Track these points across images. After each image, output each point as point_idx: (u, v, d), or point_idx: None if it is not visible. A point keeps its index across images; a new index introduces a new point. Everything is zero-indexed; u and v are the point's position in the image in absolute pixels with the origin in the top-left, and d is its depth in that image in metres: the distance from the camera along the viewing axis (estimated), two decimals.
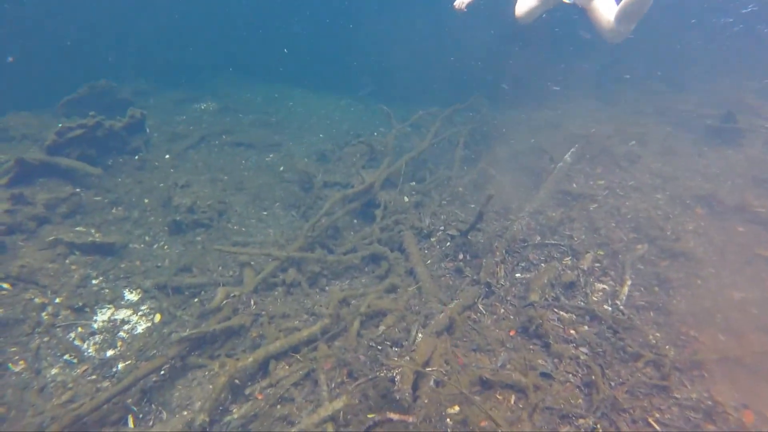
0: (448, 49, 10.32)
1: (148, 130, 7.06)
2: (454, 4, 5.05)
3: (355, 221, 5.21)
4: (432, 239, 4.51)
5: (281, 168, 6.51)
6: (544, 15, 4.92)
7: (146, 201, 5.55)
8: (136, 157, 6.02)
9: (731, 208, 4.18)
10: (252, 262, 4.42)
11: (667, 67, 8.41)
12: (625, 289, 3.55)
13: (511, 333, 3.32)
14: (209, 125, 7.83)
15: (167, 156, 6.38)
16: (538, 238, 4.24)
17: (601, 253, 3.92)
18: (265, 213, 5.56)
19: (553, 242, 4.13)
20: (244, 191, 5.84)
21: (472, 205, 5.10)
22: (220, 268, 4.59)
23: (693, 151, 5.22)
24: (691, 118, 6.09)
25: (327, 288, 4.27)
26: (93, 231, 4.94)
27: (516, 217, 4.57)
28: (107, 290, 4.33)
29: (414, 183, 5.61)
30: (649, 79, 8.40)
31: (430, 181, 5.47)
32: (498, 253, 4.03)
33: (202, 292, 4.33)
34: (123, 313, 4.14)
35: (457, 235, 4.35)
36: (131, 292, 4.41)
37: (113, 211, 5.32)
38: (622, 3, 4.02)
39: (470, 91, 10.89)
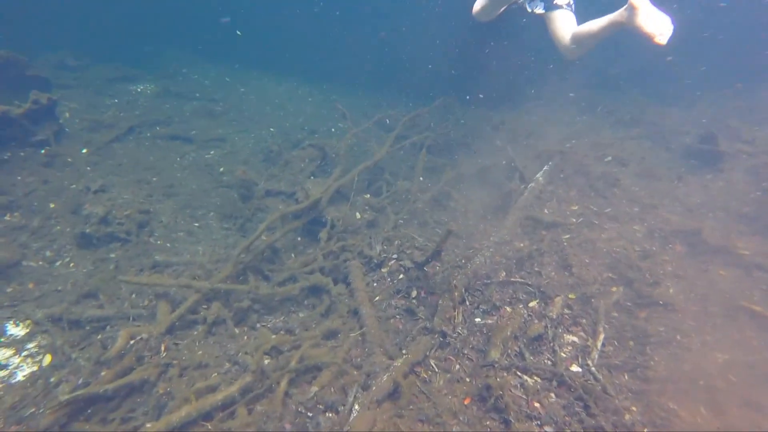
0: (422, 44, 9.73)
1: (61, 119, 6.18)
2: None
3: (299, 239, 4.63)
4: (383, 269, 3.99)
5: (221, 169, 5.80)
6: (502, 12, 4.59)
7: (52, 206, 4.77)
8: (42, 151, 5.18)
9: (713, 247, 3.86)
10: (171, 291, 3.78)
11: (652, 76, 8.12)
12: (598, 344, 3.16)
13: (466, 401, 2.86)
14: (143, 112, 6.97)
15: (84, 150, 5.55)
16: (503, 274, 3.79)
17: (573, 296, 3.51)
18: (196, 225, 4.88)
19: (519, 281, 3.69)
20: (175, 197, 5.13)
21: (432, 226, 4.62)
22: (133, 295, 3.92)
23: (672, 175, 4.89)
24: (671, 135, 5.77)
25: (258, 325, 3.70)
26: None
27: (479, 246, 4.11)
28: None
29: (368, 196, 5.05)
30: (631, 86, 8.09)
31: (386, 195, 4.93)
32: (457, 293, 3.56)
33: (108, 327, 3.67)
34: (0, 354, 3.44)
35: (412, 267, 3.86)
36: (16, 326, 3.70)
37: (6, 218, 4.52)
38: (581, 28, 3.88)
39: (440, 86, 10.42)
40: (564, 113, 7.19)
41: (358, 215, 4.69)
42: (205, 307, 3.65)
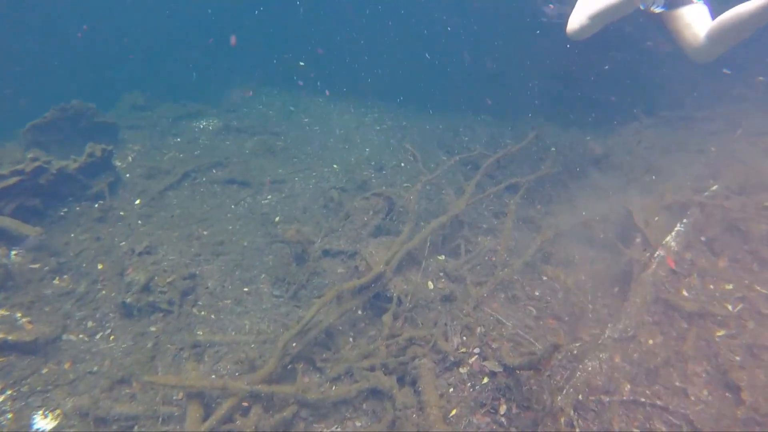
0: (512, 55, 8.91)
1: (123, 164, 6.16)
2: None
3: (360, 312, 3.97)
4: (462, 369, 3.20)
5: (276, 219, 5.37)
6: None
7: (100, 266, 4.59)
8: (96, 205, 5.07)
9: None
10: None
11: None
12: None
13: None
14: (203, 152, 6.84)
15: (138, 201, 5.40)
16: (628, 388, 2.84)
17: None
18: (245, 290, 4.44)
19: (653, 402, 2.72)
20: (224, 256, 4.75)
21: (524, 302, 3.74)
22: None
23: None
24: None
25: None
26: (19, 316, 4.00)
27: (591, 339, 3.18)
28: (10, 414, 3.35)
29: (443, 257, 4.29)
30: None
31: (465, 260, 4.13)
32: (562, 416, 2.68)
33: (135, 427, 3.26)
34: None
35: (500, 371, 3.03)
36: (45, 417, 3.41)
37: (55, 282, 4.38)
38: (723, 18, 3.29)
39: (529, 103, 9.40)
40: (690, 135, 5.92)
41: (430, 285, 3.95)
42: (241, 414, 3.10)
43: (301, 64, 9.66)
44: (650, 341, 3.03)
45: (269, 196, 5.89)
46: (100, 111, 6.47)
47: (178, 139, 7.30)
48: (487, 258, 4.27)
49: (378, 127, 8.32)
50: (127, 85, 9.28)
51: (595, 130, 8.00)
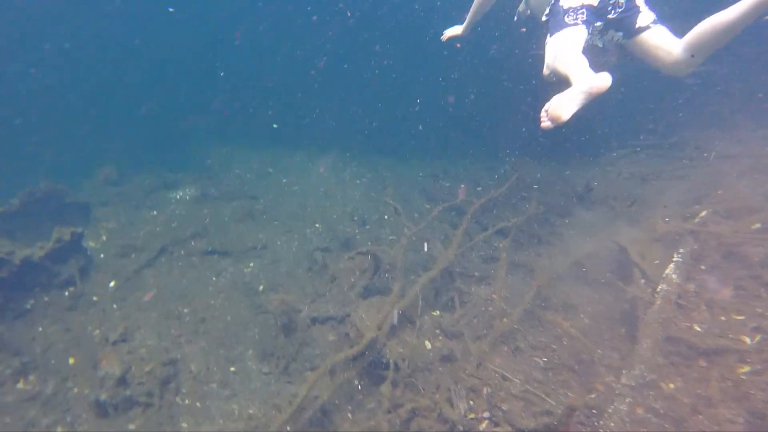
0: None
1: (95, 244, 5.91)
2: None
3: (356, 382, 3.69)
4: None
5: (260, 287, 5.13)
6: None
7: (71, 361, 4.24)
8: (66, 293, 4.78)
9: None
10: None
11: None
12: None
13: None
14: (180, 223, 6.62)
15: (112, 283, 5.12)
16: None
17: None
18: (232, 369, 4.13)
19: None
20: (207, 335, 4.46)
21: (529, 354, 3.53)
22: None
23: None
24: None
25: None
26: None
27: (605, 388, 2.97)
28: None
29: (438, 313, 4.09)
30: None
31: (461, 313, 3.94)
32: None
33: None
34: None
35: None
36: None
37: (18, 385, 4.01)
38: (701, 29, 3.27)
39: (505, 143, 9.53)
40: (667, 163, 5.98)
41: (428, 345, 3.72)
42: None
43: (275, 126, 9.72)
44: (670, 386, 2.84)
45: (251, 263, 5.67)
46: (71, 190, 6.28)
47: (154, 212, 7.10)
48: (483, 308, 4.08)
49: (358, 181, 8.27)
50: (99, 158, 9.15)
51: (571, 163, 8.10)
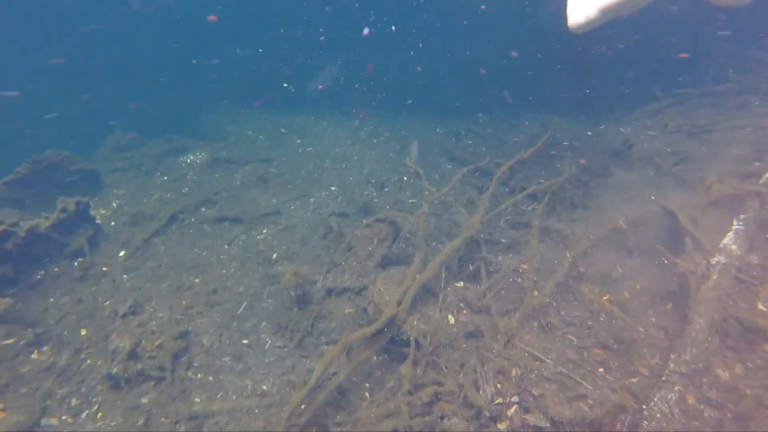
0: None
1: (106, 212, 5.77)
2: None
3: (375, 358, 3.49)
4: (500, 426, 2.70)
5: (274, 256, 4.92)
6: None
7: (83, 332, 4.15)
8: (76, 264, 4.66)
9: None
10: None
11: None
12: None
13: None
14: (191, 189, 6.43)
15: (122, 253, 4.98)
16: None
17: None
18: (245, 342, 3.98)
19: None
20: (219, 306, 4.30)
21: (563, 331, 3.24)
22: None
23: None
24: None
25: None
26: None
27: (650, 372, 2.68)
28: None
29: (462, 284, 3.81)
30: None
31: (489, 285, 3.64)
32: None
33: None
34: None
35: (547, 427, 2.54)
36: None
37: (33, 356, 3.95)
38: None
39: (533, 96, 8.94)
40: (716, 113, 5.39)
41: (451, 319, 3.47)
42: None
43: (285, 85, 9.28)
44: (727, 374, 2.52)
45: (264, 230, 5.45)
46: (78, 157, 6.09)
47: (165, 178, 6.91)
48: (511, 280, 3.77)
49: (375, 141, 7.88)
50: (113, 121, 8.93)
51: (608, 116, 7.51)
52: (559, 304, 3.43)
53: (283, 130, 8.65)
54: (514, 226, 4.66)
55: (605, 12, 3.28)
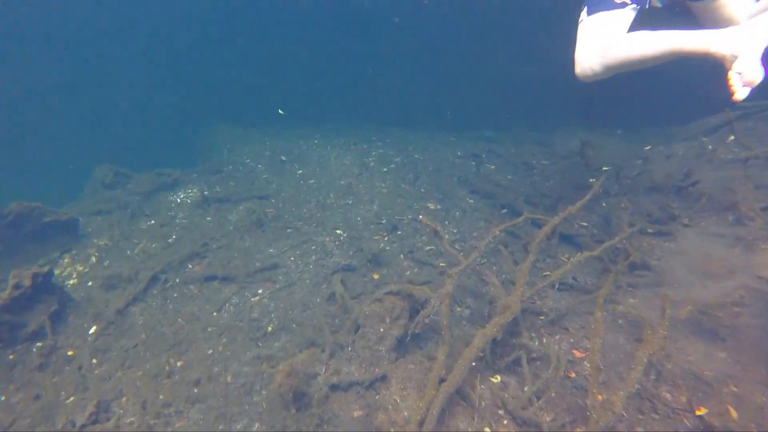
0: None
1: (74, 277, 5.14)
2: None
3: None
4: None
5: (269, 328, 4.21)
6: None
7: None
8: (34, 349, 4.00)
9: None
10: None
11: None
12: None
13: None
14: (179, 236, 5.78)
15: (93, 329, 4.31)
16: None
17: None
18: None
19: None
20: (201, 403, 3.59)
21: None
22: None
23: None
24: None
25: None
26: None
27: None
28: None
29: (499, 378, 3.05)
30: None
31: (535, 387, 2.88)
32: None
33: None
34: None
35: None
36: None
37: None
38: None
39: (558, 110, 8.20)
40: None
41: None
42: None
43: (281, 112, 8.64)
44: None
45: (259, 291, 4.75)
46: (49, 208, 5.48)
47: (152, 222, 6.26)
48: (563, 374, 3.00)
49: (385, 168, 7.15)
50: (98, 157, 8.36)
51: (651, 131, 6.70)
52: (632, 417, 2.64)
53: (283, 158, 7.97)
54: (557, 287, 3.88)
55: (611, 69, 3.01)
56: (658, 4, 3.21)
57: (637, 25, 3.13)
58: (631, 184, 4.77)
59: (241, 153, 8.47)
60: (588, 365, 2.97)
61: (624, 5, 3.08)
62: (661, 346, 2.62)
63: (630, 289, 3.41)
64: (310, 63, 9.93)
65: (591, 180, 5.50)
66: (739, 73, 2.39)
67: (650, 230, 3.77)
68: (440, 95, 9.45)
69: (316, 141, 8.67)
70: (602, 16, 3.09)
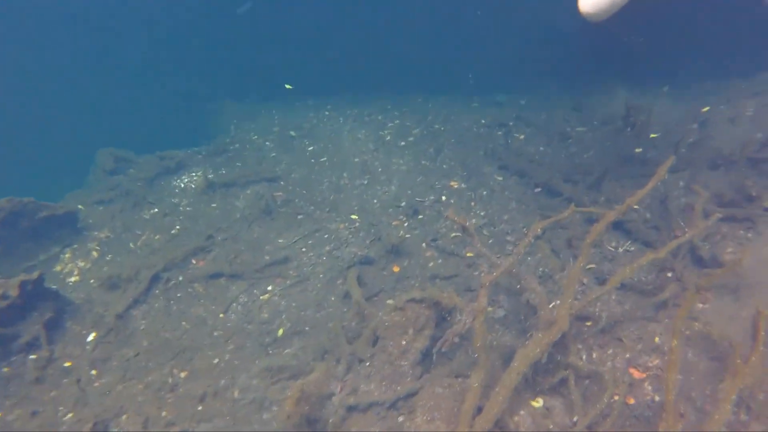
0: None
1: (75, 274, 4.86)
2: None
3: None
4: None
5: (280, 332, 3.87)
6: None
7: None
8: (29, 361, 3.75)
9: None
10: None
11: None
12: None
13: None
14: (183, 226, 5.43)
15: (92, 336, 4.04)
16: None
17: None
18: None
19: None
20: (207, 422, 3.29)
21: None
22: None
23: None
24: None
25: None
26: None
27: None
28: None
29: (541, 402, 2.63)
30: None
31: (582, 408, 2.45)
32: None
33: None
34: None
35: None
36: None
37: None
38: None
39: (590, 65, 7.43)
40: None
41: None
42: None
43: (288, 86, 8.07)
44: None
45: (269, 287, 4.40)
46: (44, 203, 5.17)
47: (155, 210, 5.93)
48: (619, 398, 2.55)
49: (402, 142, 6.59)
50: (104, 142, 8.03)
51: (698, 87, 5.96)
52: None
53: (292, 133, 7.47)
54: (603, 282, 3.38)
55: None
56: None
57: None
58: (689, 155, 4.14)
59: (248, 129, 7.99)
60: (649, 387, 2.52)
61: None
62: (756, 379, 2.14)
63: (700, 290, 2.89)
64: (320, 31, 9.25)
65: (637, 150, 4.89)
66: None
67: (719, 214, 3.20)
68: (462, 56, 8.69)
69: (327, 113, 8.11)
70: None
